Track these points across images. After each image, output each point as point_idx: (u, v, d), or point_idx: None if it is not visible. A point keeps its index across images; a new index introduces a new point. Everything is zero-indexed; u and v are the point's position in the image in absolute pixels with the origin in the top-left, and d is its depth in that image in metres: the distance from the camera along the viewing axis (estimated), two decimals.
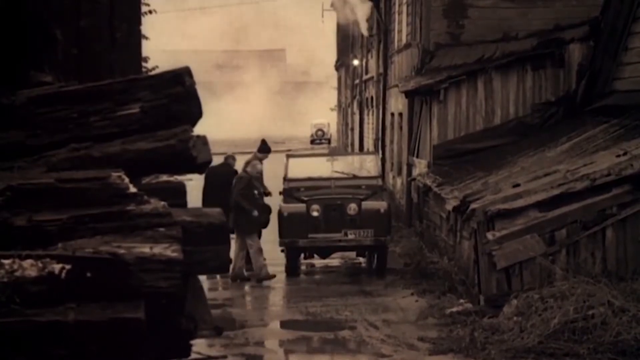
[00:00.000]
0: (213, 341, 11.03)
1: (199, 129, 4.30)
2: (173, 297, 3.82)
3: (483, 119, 18.30)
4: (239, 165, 17.85)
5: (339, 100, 49.15)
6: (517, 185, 13.23)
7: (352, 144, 38.77)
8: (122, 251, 3.74)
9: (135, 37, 5.37)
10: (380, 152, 25.06)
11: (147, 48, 14.18)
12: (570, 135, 15.80)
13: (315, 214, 16.68)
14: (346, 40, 41.09)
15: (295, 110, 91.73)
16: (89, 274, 3.69)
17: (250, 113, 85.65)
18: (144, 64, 16.22)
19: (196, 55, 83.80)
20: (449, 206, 14.45)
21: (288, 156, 18.77)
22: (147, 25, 15.17)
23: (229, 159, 17.89)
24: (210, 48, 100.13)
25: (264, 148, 17.95)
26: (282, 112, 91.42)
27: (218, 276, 16.21)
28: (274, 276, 16.58)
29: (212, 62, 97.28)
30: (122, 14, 5.16)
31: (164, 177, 4.65)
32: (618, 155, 12.82)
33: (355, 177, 17.95)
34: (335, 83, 54.42)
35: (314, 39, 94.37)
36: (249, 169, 16.99)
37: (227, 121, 73.30)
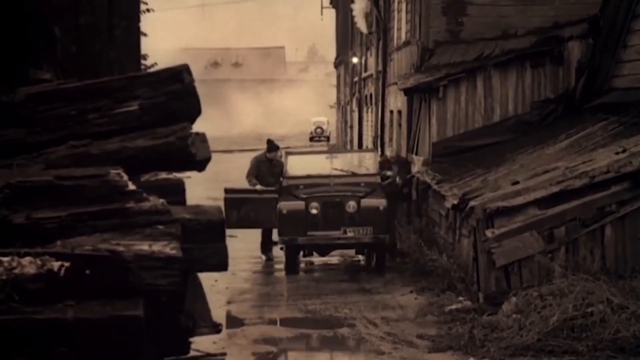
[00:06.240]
0: (212, 338, 11.02)
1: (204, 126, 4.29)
2: (172, 294, 3.82)
3: (482, 117, 18.28)
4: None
5: (338, 98, 49.04)
6: (516, 182, 13.21)
7: (351, 142, 38.68)
8: (121, 249, 3.74)
9: (134, 34, 5.37)
10: (379, 149, 25.02)
11: (146, 46, 14.19)
12: (569, 132, 15.78)
13: (314, 211, 16.67)
14: (345, 38, 41.01)
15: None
16: (88, 272, 3.68)
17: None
18: (142, 62, 16.21)
19: (195, 53, 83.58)
20: (448, 204, 14.44)
21: (287, 153, 18.77)
22: (146, 22, 15.16)
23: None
24: (208, 46, 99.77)
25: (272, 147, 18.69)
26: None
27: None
28: None
29: (210, 59, 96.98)
30: (121, 12, 5.15)
31: (163, 175, 4.64)
32: (617, 153, 12.82)
33: (354, 174, 17.94)
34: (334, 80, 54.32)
35: (313, 37, 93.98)
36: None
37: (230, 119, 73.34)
